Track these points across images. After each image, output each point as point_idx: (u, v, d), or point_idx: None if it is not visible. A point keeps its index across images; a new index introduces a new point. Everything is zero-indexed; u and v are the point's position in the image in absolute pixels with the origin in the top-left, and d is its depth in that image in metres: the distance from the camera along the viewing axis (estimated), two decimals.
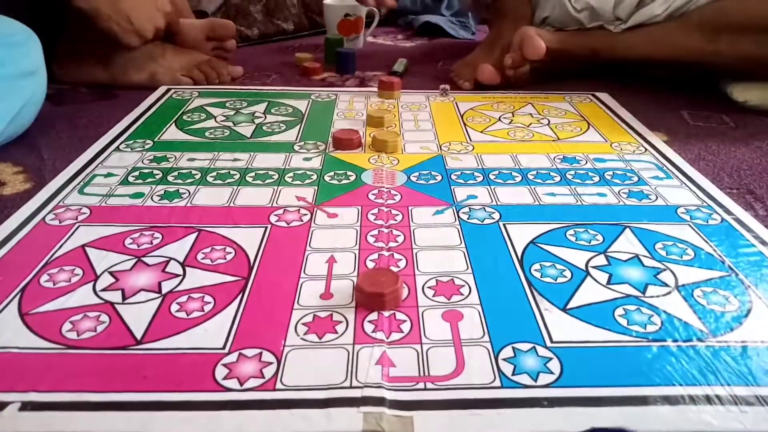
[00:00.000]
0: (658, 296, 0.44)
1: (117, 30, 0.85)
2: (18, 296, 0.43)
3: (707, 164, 0.68)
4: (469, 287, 0.45)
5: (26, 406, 0.34)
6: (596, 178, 0.63)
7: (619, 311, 0.42)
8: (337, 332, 0.40)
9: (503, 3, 1.02)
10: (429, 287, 0.45)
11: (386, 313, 0.41)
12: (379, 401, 0.34)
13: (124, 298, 0.43)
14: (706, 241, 0.51)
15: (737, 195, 0.60)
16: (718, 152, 0.71)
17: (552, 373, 0.37)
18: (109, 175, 0.62)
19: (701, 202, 0.58)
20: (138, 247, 0.49)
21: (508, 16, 0.98)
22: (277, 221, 0.53)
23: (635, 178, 0.63)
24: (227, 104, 0.83)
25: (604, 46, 0.92)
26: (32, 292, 0.43)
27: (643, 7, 0.88)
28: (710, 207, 0.57)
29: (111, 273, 0.46)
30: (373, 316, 0.41)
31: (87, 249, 0.49)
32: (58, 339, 0.39)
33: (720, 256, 0.49)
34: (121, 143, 0.70)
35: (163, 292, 0.44)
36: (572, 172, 0.64)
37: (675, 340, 0.39)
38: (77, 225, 0.52)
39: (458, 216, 0.55)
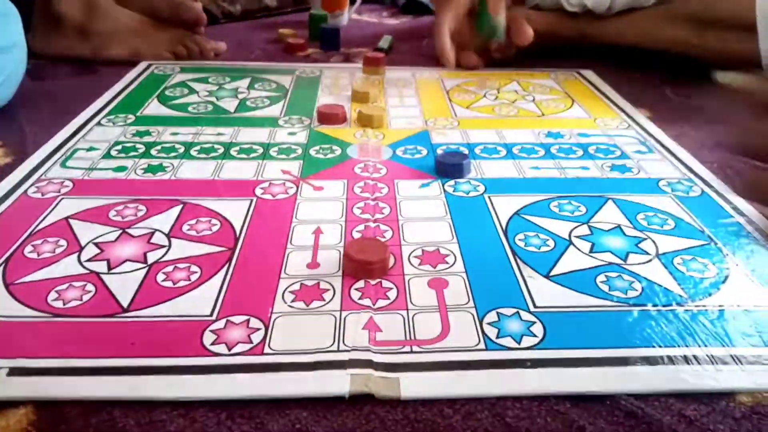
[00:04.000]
0: (639, 264, 0.45)
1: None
2: (2, 267, 0.43)
3: (689, 140, 0.69)
4: (455, 256, 0.45)
5: (14, 372, 0.34)
6: (580, 152, 0.63)
7: (601, 278, 0.43)
8: (324, 299, 0.40)
9: None
10: (415, 256, 0.45)
11: (373, 282, 0.42)
12: (367, 364, 0.35)
13: (109, 268, 0.43)
14: (686, 212, 0.52)
15: (718, 168, 0.61)
16: (700, 128, 0.72)
17: (535, 336, 0.37)
18: (91, 149, 0.61)
19: (682, 174, 0.59)
20: (122, 219, 0.49)
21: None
22: (262, 194, 0.53)
23: (618, 153, 0.63)
24: (210, 80, 0.82)
25: (592, 31, 0.93)
26: (16, 263, 0.43)
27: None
28: (691, 180, 0.58)
29: (96, 244, 0.45)
30: (360, 284, 0.42)
31: (71, 221, 0.48)
32: (44, 308, 0.39)
33: (700, 226, 0.50)
34: (102, 118, 0.69)
35: (149, 262, 0.44)
36: (556, 147, 0.64)
37: (655, 305, 0.40)
38: (60, 198, 0.52)
39: (444, 189, 0.55)
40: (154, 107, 0.72)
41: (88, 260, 0.44)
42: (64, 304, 0.39)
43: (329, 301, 0.40)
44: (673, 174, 0.59)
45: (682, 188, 0.56)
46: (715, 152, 0.66)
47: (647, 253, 0.46)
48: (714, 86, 0.86)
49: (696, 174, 0.59)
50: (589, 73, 0.91)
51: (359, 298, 0.40)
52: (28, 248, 0.45)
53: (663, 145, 0.66)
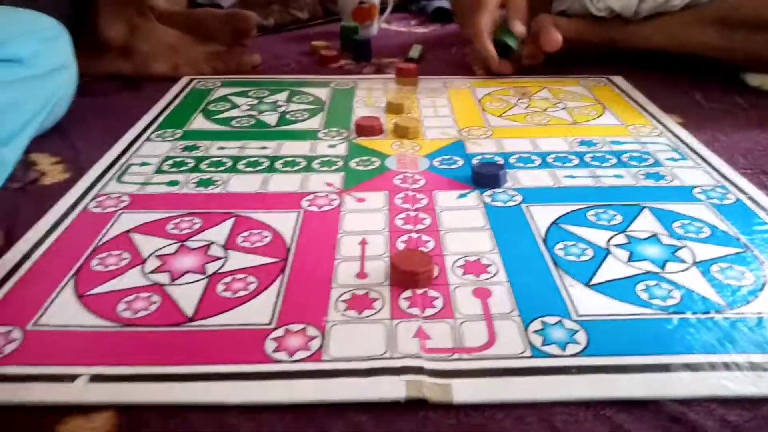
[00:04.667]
0: (677, 272, 0.46)
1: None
2: (72, 279, 0.46)
3: (722, 145, 0.69)
4: (497, 266, 0.47)
5: (95, 378, 0.36)
6: (613, 161, 0.64)
7: (641, 286, 0.45)
8: (374, 308, 0.42)
9: None
10: (458, 266, 0.47)
11: (419, 291, 0.44)
12: (418, 370, 0.37)
13: (172, 279, 0.46)
14: (721, 220, 0.53)
15: (751, 175, 0.62)
16: (732, 133, 0.73)
17: (579, 343, 0.39)
18: (144, 164, 0.64)
19: (716, 182, 0.60)
20: (180, 231, 0.52)
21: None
22: (308, 206, 0.56)
23: (651, 160, 0.65)
24: (250, 93, 0.85)
25: (620, 36, 0.94)
26: (85, 276, 0.46)
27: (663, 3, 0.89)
28: (725, 187, 0.59)
29: (157, 257, 0.48)
30: (407, 293, 0.44)
31: (131, 235, 0.51)
32: (115, 318, 0.42)
33: (735, 233, 0.51)
34: (151, 133, 0.72)
35: (208, 273, 0.46)
36: (590, 155, 0.66)
37: (694, 313, 0.42)
38: (119, 212, 0.55)
39: (482, 199, 0.57)
40: (199, 122, 0.75)
41: (151, 272, 0.46)
42: (133, 315, 0.42)
43: (379, 309, 0.42)
44: (707, 181, 0.60)
45: (716, 196, 0.57)
46: (748, 158, 0.67)
47: (684, 262, 0.47)
48: (744, 90, 0.87)
49: (729, 181, 0.60)
50: (619, 79, 0.91)
51: (408, 307, 0.42)
52: (95, 261, 0.48)
53: (695, 152, 0.67)
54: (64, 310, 0.42)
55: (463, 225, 0.53)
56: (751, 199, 0.57)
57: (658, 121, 0.75)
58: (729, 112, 0.80)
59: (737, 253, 0.49)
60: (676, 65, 0.95)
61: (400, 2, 1.37)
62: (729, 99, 0.84)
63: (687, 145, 0.69)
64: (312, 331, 0.40)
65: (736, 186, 0.59)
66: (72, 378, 0.36)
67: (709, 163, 0.64)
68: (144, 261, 0.48)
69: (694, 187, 0.59)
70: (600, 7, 0.93)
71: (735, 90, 0.87)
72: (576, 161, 0.64)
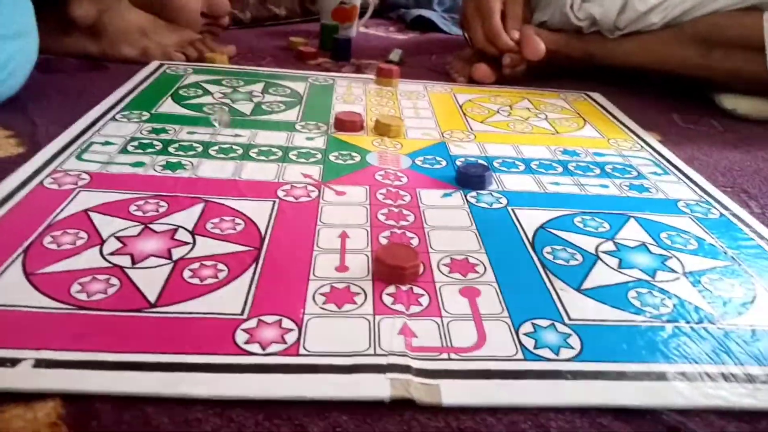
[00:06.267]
0: (667, 281, 0.45)
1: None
2: (21, 256, 0.41)
3: (701, 164, 0.70)
4: (484, 266, 0.45)
5: (40, 363, 0.32)
6: (597, 171, 0.63)
7: (632, 293, 0.43)
8: (356, 303, 0.39)
9: None
10: (444, 264, 0.44)
11: (404, 287, 0.41)
12: (405, 369, 0.34)
13: (133, 262, 0.42)
14: (707, 233, 0.52)
15: (732, 193, 0.62)
16: (710, 153, 0.73)
17: (573, 348, 0.37)
18: (107, 143, 0.60)
19: (699, 197, 0.59)
20: (144, 214, 0.48)
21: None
22: (285, 196, 0.52)
23: (634, 173, 0.64)
24: (223, 82, 0.82)
25: (600, 52, 0.94)
26: (36, 253, 0.42)
27: (643, 17, 0.90)
28: (708, 202, 0.59)
29: (117, 238, 0.44)
30: (391, 289, 0.41)
31: (90, 213, 0.47)
32: (67, 299, 0.37)
33: (722, 246, 0.50)
34: (116, 113, 0.67)
35: (174, 258, 0.42)
36: (573, 164, 0.65)
37: (688, 322, 0.40)
38: (78, 190, 0.50)
39: (466, 200, 0.55)
40: (168, 106, 0.71)
41: (111, 254, 0.42)
42: (88, 297, 0.38)
43: (361, 304, 0.39)
44: (690, 196, 0.60)
45: (700, 210, 0.57)
46: (727, 176, 0.67)
47: (674, 271, 0.46)
48: (719, 114, 0.88)
49: (712, 197, 0.60)
50: (597, 96, 0.92)
51: (392, 303, 0.40)
52: (47, 239, 0.43)
53: (677, 168, 0.66)
54: (10, 289, 0.38)
55: (448, 224, 0.50)
56: (734, 215, 0.56)
57: (638, 137, 0.75)
58: (705, 133, 0.81)
59: (725, 266, 0.48)
60: (651, 86, 0.96)
61: (378, 8, 1.36)
62: (705, 121, 0.85)
63: (668, 160, 0.68)
64: (288, 323, 0.37)
65: (718, 202, 0.59)
66: (14, 362, 0.32)
67: (690, 179, 0.64)
68: (103, 242, 0.44)
69: (679, 200, 0.58)
70: (580, 16, 0.94)
71: (709, 112, 0.88)
72: (560, 169, 0.63)
